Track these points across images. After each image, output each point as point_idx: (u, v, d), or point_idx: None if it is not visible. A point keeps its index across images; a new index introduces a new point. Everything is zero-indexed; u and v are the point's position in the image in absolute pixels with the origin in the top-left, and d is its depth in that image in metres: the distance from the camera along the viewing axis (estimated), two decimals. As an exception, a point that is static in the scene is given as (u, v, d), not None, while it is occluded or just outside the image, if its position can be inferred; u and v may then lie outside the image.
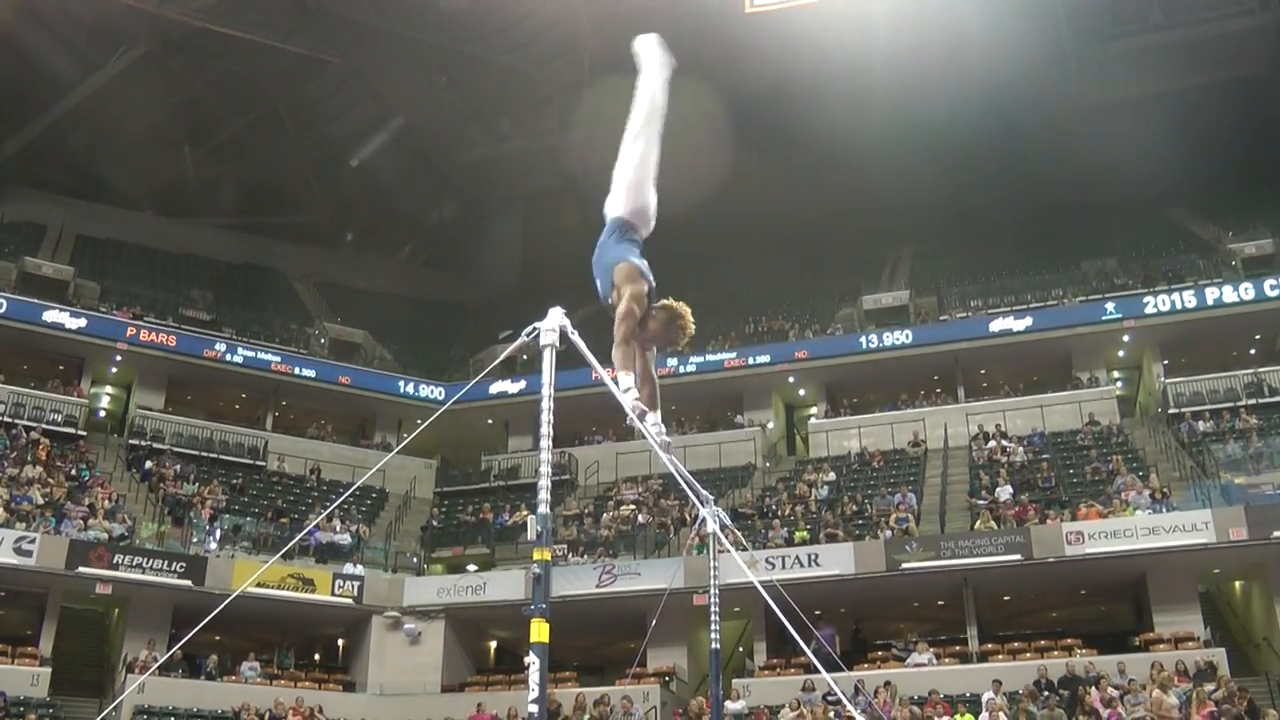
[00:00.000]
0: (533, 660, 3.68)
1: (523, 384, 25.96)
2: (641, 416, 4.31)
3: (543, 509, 3.82)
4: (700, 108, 25.63)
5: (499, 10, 27.32)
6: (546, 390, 3.96)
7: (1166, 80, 27.38)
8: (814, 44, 25.75)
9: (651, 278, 4.47)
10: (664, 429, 4.45)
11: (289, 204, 33.87)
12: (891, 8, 24.76)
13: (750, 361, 26.11)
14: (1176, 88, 27.30)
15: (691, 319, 4.51)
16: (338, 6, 27.06)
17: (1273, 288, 23.14)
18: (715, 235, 30.61)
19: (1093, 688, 14.92)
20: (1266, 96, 27.67)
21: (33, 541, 17.55)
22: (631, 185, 4.52)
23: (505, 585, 19.55)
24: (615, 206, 4.56)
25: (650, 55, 4.60)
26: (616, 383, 4.37)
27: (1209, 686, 14.27)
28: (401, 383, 27.51)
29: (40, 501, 19.13)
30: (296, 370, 26.30)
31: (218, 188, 32.41)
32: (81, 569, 17.79)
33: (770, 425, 26.23)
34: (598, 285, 4.57)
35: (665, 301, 4.48)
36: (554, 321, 4.06)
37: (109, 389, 26.46)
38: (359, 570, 20.44)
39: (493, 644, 22.56)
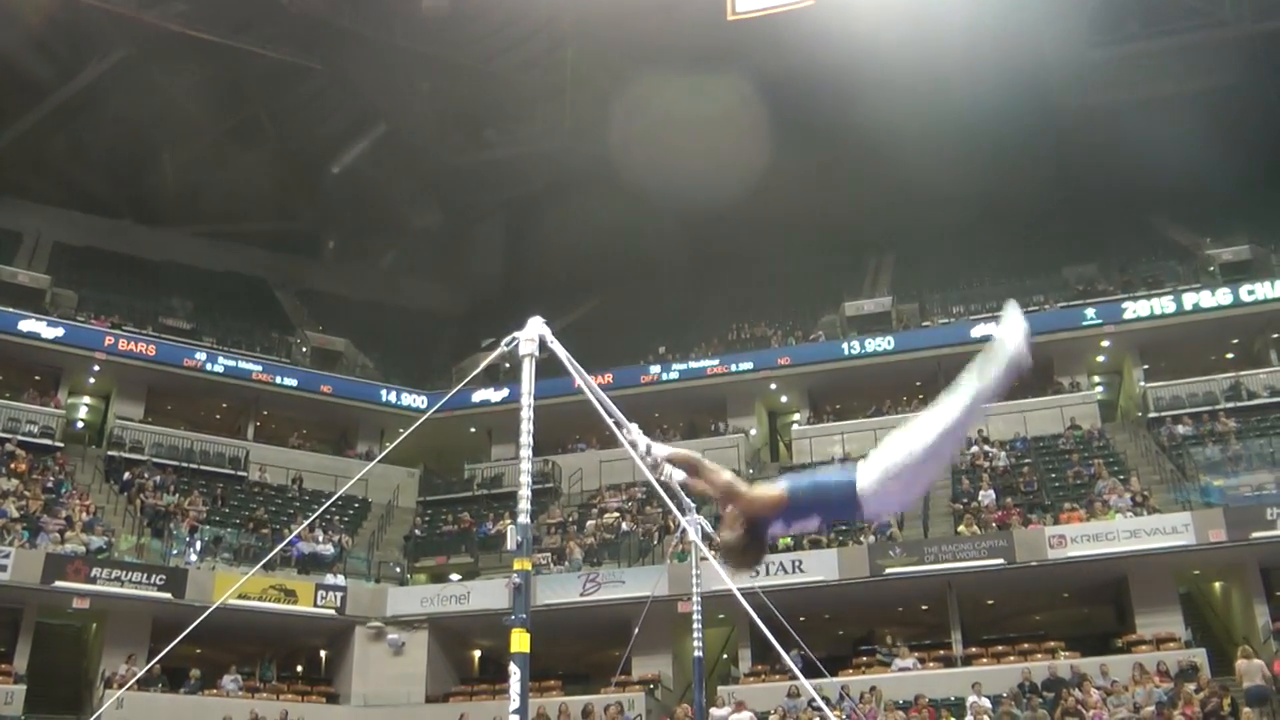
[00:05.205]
0: (513, 671, 3.66)
1: (505, 392, 25.86)
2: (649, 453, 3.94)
3: (523, 519, 3.80)
4: (691, 121, 25.72)
5: (481, 16, 27.26)
6: (526, 401, 3.94)
7: (1144, 88, 27.69)
8: (798, 56, 25.87)
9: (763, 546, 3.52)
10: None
11: (270, 211, 33.57)
12: (873, 21, 24.91)
13: (733, 368, 26.14)
14: (1154, 96, 27.62)
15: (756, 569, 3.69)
16: (318, 12, 26.91)
17: (1249, 293, 23.45)
18: (697, 244, 30.69)
19: (1076, 689, 15.01)
20: (1241, 105, 28.04)
21: (7, 556, 17.31)
22: (897, 476, 3.33)
23: (489, 594, 19.46)
24: (867, 474, 3.37)
25: (1005, 350, 3.14)
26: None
27: (1191, 686, 14.40)
28: (384, 391, 27.34)
29: (15, 515, 18.84)
30: (278, 379, 26.09)
31: (197, 195, 32.10)
32: (58, 583, 17.53)
33: (753, 432, 26.25)
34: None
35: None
36: (533, 331, 4.04)
37: (87, 399, 26.14)
38: (341, 581, 20.27)
39: (477, 653, 22.43)
